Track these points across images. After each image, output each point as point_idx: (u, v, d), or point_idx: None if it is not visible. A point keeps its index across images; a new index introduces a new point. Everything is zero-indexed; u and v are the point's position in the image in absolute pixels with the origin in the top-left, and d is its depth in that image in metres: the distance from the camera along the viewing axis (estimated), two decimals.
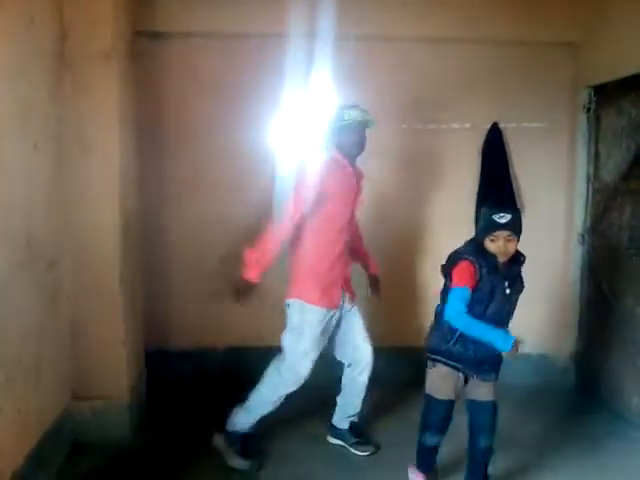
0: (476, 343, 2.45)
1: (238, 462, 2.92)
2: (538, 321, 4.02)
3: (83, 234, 3.03)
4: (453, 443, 2.77)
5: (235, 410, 2.99)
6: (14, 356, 2.39)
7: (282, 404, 2.96)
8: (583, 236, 3.93)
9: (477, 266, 2.42)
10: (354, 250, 3.10)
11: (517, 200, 3.93)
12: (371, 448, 3.11)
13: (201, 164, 3.83)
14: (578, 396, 3.92)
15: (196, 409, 3.59)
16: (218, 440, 3.00)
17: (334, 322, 2.97)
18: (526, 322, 3.97)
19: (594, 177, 3.85)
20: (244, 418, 2.97)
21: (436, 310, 2.62)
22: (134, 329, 3.37)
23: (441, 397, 2.54)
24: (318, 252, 2.91)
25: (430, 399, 2.58)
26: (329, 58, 3.51)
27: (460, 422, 2.63)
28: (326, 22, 3.50)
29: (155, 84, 3.77)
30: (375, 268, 3.24)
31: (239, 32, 3.70)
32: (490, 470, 2.65)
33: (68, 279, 3.02)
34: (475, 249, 2.46)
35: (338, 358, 3.11)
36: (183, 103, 3.80)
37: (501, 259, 2.43)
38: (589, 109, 3.86)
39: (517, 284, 2.50)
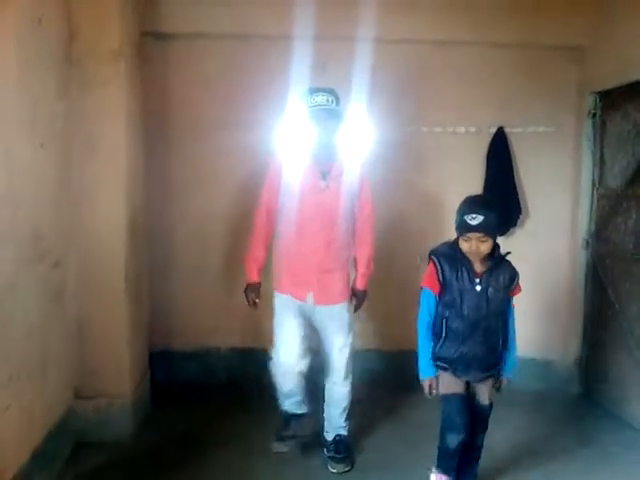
0: (461, 343, 2.48)
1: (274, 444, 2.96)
2: (542, 326, 4.01)
3: (89, 233, 3.05)
4: None
5: None
6: (20, 354, 2.40)
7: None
8: (588, 241, 3.92)
9: (439, 266, 2.49)
10: (355, 255, 3.04)
11: (521, 204, 3.94)
12: (342, 467, 2.93)
13: (206, 164, 3.84)
14: (582, 402, 3.90)
15: (199, 409, 3.59)
16: None
17: (306, 312, 2.91)
18: (530, 327, 4.01)
19: (599, 182, 3.85)
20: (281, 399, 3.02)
21: None
22: (138, 329, 3.37)
23: (452, 391, 2.53)
24: (281, 244, 2.95)
25: (443, 397, 2.56)
26: (335, 60, 3.53)
27: None
28: (332, 24, 3.52)
29: (161, 84, 3.78)
30: (360, 283, 3.03)
31: (245, 33, 3.72)
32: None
33: (74, 277, 3.03)
34: (448, 248, 2.52)
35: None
36: (189, 103, 3.81)
37: (473, 259, 2.46)
38: (595, 114, 3.86)
39: (500, 282, 2.49)
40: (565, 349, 4.07)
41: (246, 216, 3.85)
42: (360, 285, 3.03)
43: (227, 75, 3.80)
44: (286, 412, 3.02)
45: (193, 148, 3.83)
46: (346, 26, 3.54)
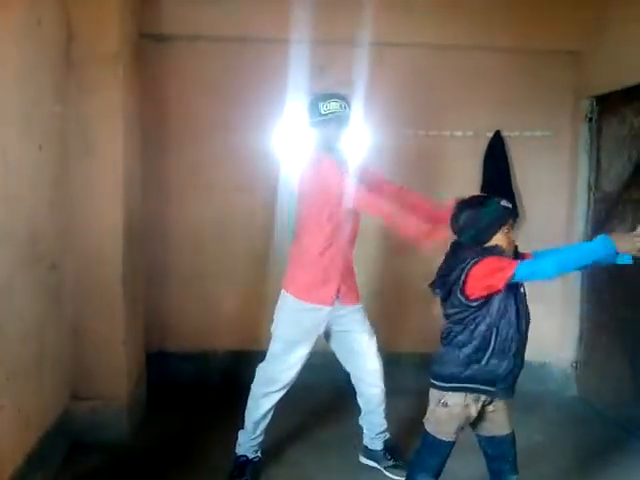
0: (508, 357, 2.17)
1: None
2: (538, 329, 3.97)
3: (86, 235, 3.05)
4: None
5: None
6: (15, 355, 2.40)
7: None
8: None
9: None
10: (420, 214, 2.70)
11: (518, 208, 3.94)
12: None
13: (203, 166, 3.85)
14: (578, 404, 3.91)
15: (195, 411, 3.59)
16: None
17: (322, 322, 2.79)
18: None
19: (595, 186, 3.86)
20: (245, 436, 2.89)
21: (445, 333, 2.26)
22: (134, 330, 3.38)
23: (445, 438, 2.23)
24: (310, 248, 2.77)
25: (433, 439, 2.25)
26: (333, 63, 3.54)
27: None
28: (330, 28, 3.53)
29: (159, 86, 3.79)
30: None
31: (244, 36, 3.73)
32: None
33: (70, 279, 3.03)
34: (483, 252, 2.15)
35: (344, 367, 2.95)
36: (187, 105, 3.82)
37: (509, 253, 2.19)
38: (591, 118, 3.88)
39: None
40: (561, 352, 4.08)
41: (243, 218, 3.88)
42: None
43: (226, 78, 3.80)
44: (243, 458, 2.86)
45: (191, 150, 3.84)
46: (344, 30, 3.55)
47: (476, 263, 2.12)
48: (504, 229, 2.17)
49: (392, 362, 3.85)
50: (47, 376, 2.76)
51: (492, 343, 2.16)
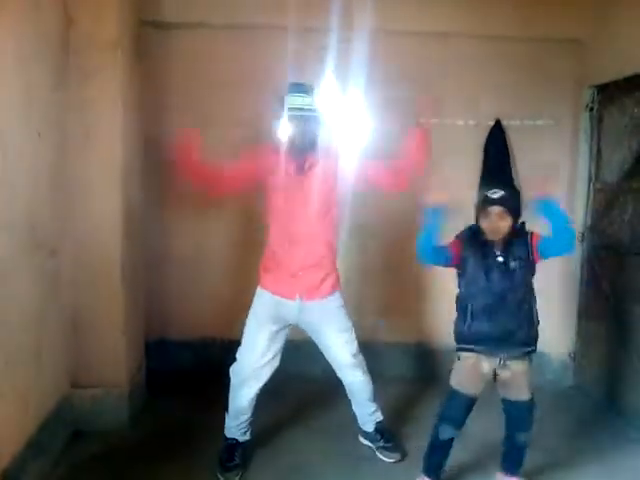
0: (490, 319, 2.45)
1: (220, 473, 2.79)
2: None
3: (85, 222, 3.04)
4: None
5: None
6: (14, 342, 2.40)
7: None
8: (584, 234, 3.93)
9: (462, 243, 2.52)
10: None
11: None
12: (397, 455, 2.94)
13: (204, 154, 3.82)
14: (576, 395, 3.93)
15: (195, 398, 3.60)
16: None
17: (288, 314, 2.78)
18: None
19: (596, 176, 3.85)
20: (230, 421, 2.90)
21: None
22: (134, 318, 3.38)
23: (465, 392, 2.52)
24: (268, 239, 2.84)
25: (454, 392, 2.54)
26: (336, 51, 3.51)
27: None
28: (334, 15, 3.50)
29: (160, 74, 3.76)
30: None
31: (245, 23, 3.69)
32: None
33: (69, 267, 3.02)
34: (469, 231, 2.55)
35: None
36: (187, 94, 3.79)
37: (493, 237, 2.47)
38: (592, 108, 3.86)
39: (519, 252, 2.51)
40: (559, 342, 4.08)
41: (244, 205, 3.86)
42: None
43: (227, 65, 3.77)
44: (231, 440, 2.88)
45: None
46: (346, 17, 3.51)
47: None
48: (482, 213, 2.50)
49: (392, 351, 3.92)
50: (47, 363, 2.76)
51: (469, 310, 2.48)
